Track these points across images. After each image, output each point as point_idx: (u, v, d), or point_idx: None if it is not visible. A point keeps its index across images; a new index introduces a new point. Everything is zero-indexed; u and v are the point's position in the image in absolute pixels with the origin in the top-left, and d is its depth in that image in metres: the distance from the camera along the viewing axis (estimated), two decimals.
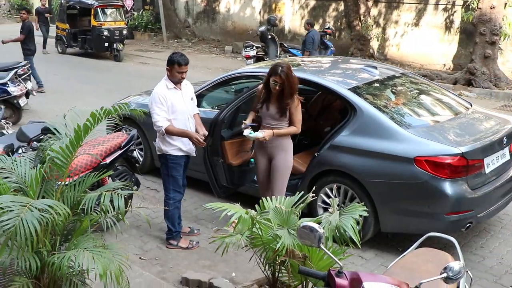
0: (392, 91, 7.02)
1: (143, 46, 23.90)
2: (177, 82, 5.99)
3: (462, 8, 16.41)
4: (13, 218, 3.76)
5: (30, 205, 3.88)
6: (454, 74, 16.10)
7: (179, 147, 6.05)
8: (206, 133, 6.22)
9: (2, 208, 3.84)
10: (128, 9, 24.98)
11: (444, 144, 5.86)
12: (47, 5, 22.53)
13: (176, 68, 5.87)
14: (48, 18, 22.00)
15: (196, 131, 6.13)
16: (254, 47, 16.77)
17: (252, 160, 6.34)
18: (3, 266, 4.16)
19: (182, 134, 5.97)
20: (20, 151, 6.13)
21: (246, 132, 5.90)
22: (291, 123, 5.95)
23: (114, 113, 4.45)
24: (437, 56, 17.74)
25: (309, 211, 6.22)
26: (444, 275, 2.99)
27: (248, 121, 6.06)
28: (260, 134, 5.85)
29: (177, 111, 5.98)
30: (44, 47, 21.43)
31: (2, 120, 7.45)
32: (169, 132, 5.89)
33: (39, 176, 4.29)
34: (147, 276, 5.59)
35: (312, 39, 15.20)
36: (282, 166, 6.02)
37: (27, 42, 14.51)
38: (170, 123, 5.90)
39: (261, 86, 6.05)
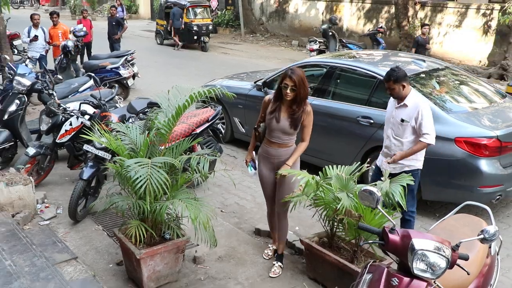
0: (436, 81, 6.80)
1: (225, 39, 23.88)
2: (393, 96, 4.97)
3: (499, 12, 15.72)
4: (144, 175, 3.92)
5: (151, 164, 4.02)
6: (488, 70, 15.50)
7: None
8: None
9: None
10: (213, 9, 25.08)
11: (481, 127, 5.69)
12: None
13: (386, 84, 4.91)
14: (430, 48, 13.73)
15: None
16: (317, 42, 16.50)
17: (250, 165, 4.91)
18: (122, 209, 4.36)
19: None
20: (130, 120, 6.30)
21: (250, 170, 4.93)
22: (302, 136, 4.54)
23: (205, 95, 4.45)
24: (474, 54, 17.01)
25: (362, 180, 6.14)
26: (481, 236, 2.91)
27: (248, 158, 4.91)
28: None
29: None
30: None
31: (116, 96, 7.66)
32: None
33: (148, 141, 4.42)
34: (227, 225, 5.70)
35: (173, 13, 20.49)
36: (288, 181, 4.51)
37: (117, 32, 15.04)
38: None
39: (267, 97, 4.63)
